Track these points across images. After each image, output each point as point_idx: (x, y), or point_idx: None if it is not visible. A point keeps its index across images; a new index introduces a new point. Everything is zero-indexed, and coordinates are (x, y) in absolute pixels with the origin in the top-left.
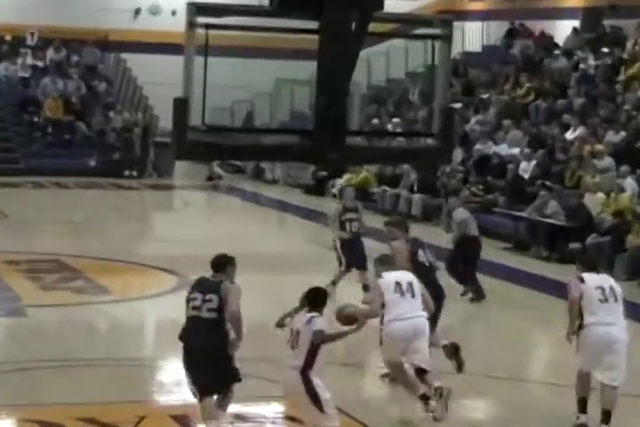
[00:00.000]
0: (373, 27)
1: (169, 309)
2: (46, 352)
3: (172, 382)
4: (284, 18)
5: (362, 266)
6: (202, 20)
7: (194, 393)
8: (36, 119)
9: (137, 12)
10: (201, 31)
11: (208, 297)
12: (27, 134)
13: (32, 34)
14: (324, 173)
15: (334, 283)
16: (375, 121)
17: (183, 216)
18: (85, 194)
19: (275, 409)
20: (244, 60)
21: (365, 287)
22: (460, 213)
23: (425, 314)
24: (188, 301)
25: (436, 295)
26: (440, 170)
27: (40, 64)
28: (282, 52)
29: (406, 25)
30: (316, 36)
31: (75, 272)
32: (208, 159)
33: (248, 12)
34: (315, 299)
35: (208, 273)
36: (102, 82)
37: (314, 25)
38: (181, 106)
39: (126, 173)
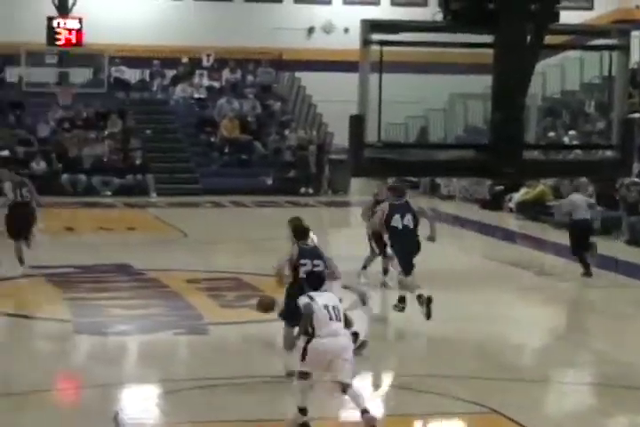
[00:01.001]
0: (548, 39)
1: None
2: (227, 370)
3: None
4: (457, 33)
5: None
6: (376, 36)
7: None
8: (213, 139)
9: (310, 30)
10: (375, 48)
11: (316, 262)
12: (204, 155)
13: (208, 55)
14: (501, 188)
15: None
16: (551, 134)
17: (359, 232)
18: (262, 212)
19: (457, 425)
20: (418, 76)
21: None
22: None
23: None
24: (298, 266)
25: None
26: (618, 182)
27: (216, 85)
28: (455, 68)
29: (582, 36)
30: (490, 51)
31: (254, 290)
32: (384, 176)
33: (422, 28)
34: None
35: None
36: (277, 101)
37: (488, 39)
38: (357, 123)
39: (302, 190)
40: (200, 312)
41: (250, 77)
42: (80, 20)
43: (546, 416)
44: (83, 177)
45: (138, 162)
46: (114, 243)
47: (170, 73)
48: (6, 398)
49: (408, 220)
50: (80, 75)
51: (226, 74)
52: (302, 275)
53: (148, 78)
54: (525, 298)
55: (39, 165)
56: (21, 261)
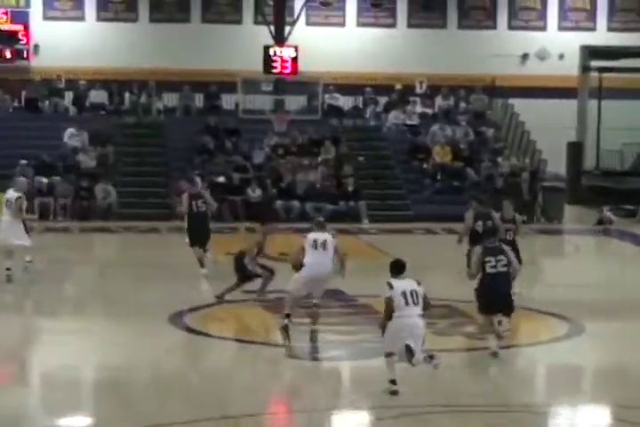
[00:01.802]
0: None
1: (561, 355)
2: (439, 397)
3: None
4: None
5: None
6: (595, 63)
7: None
8: (425, 166)
9: (524, 57)
10: (594, 75)
11: (499, 257)
12: (416, 181)
13: (421, 82)
14: None
15: None
16: None
17: (573, 261)
18: None
19: None
20: (633, 102)
21: None
22: None
23: None
24: (485, 263)
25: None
26: None
27: (429, 111)
28: None
29: None
30: None
31: (467, 317)
32: (600, 203)
33: None
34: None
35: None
36: (490, 128)
37: None
38: (576, 150)
39: None
40: None
41: (462, 104)
42: (296, 49)
43: None
44: (296, 203)
45: (350, 188)
46: None
47: (383, 100)
48: (222, 421)
49: None
50: (295, 102)
51: (438, 100)
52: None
53: (361, 105)
54: None
55: (254, 192)
56: (201, 264)
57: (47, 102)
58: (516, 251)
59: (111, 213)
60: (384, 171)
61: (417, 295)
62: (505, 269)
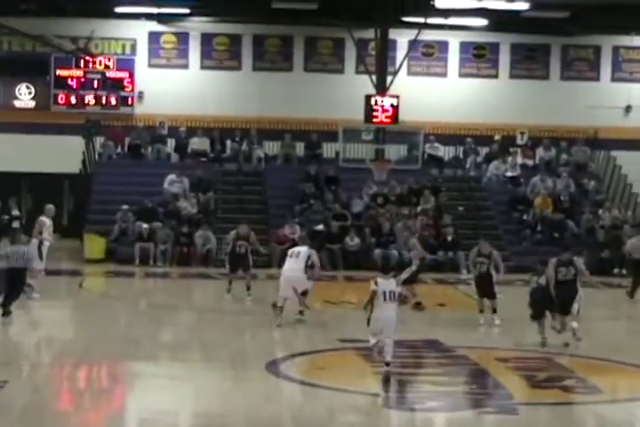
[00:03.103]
0: None
1: None
2: None
3: None
4: None
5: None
6: None
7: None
8: (525, 217)
9: (627, 109)
10: None
11: (569, 268)
12: (516, 232)
13: (522, 133)
14: None
15: None
16: None
17: None
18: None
19: None
20: None
21: None
22: None
23: None
24: (557, 272)
25: None
26: None
27: (529, 163)
28: None
29: None
30: None
31: (565, 371)
32: None
33: None
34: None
35: None
36: (591, 180)
37: None
38: None
39: (615, 271)
40: (509, 391)
41: (564, 155)
42: (397, 98)
43: None
44: (395, 252)
45: (449, 238)
46: (423, 318)
47: (483, 150)
48: None
49: None
50: (395, 151)
51: (540, 152)
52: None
53: (461, 155)
54: None
55: (353, 241)
56: (248, 288)
57: (150, 149)
58: (491, 283)
59: (210, 259)
60: (484, 221)
61: (394, 294)
62: (573, 277)
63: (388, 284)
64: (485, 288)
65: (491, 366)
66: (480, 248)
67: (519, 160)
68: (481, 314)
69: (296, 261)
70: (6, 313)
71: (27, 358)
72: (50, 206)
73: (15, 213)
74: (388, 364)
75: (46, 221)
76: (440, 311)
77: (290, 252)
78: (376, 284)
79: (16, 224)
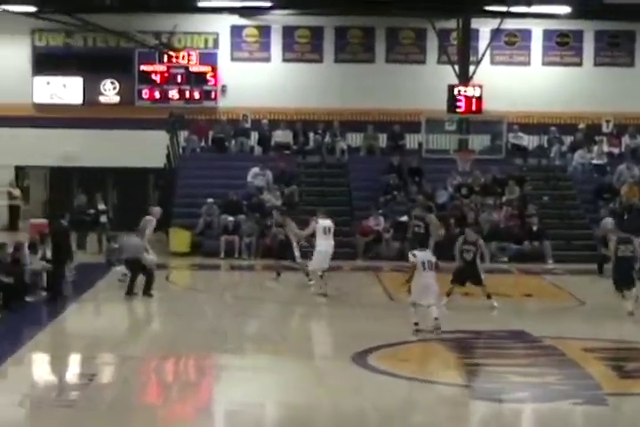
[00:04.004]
0: None
1: None
2: None
3: None
4: None
5: None
6: None
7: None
8: (611, 206)
9: None
10: None
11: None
12: None
13: (607, 121)
14: None
15: None
16: None
17: None
18: None
19: None
20: None
21: None
22: None
23: None
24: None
25: None
26: None
27: (615, 151)
28: None
29: None
30: None
31: None
32: None
33: None
34: None
35: None
36: None
37: None
38: None
39: None
40: (598, 382)
41: None
42: (481, 88)
43: None
44: (481, 242)
45: (535, 228)
46: (510, 309)
47: (568, 139)
48: None
49: None
50: (479, 141)
51: (625, 140)
52: None
53: (545, 144)
54: None
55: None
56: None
57: (233, 142)
58: (477, 270)
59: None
60: (569, 211)
61: (432, 263)
62: (631, 254)
63: (424, 255)
64: (472, 275)
65: (578, 357)
66: (466, 236)
67: (605, 148)
68: (447, 298)
69: (330, 236)
70: (148, 295)
71: (114, 352)
72: (157, 209)
73: (102, 207)
74: (436, 318)
75: (153, 220)
76: (526, 302)
77: (324, 228)
78: (414, 256)
79: (103, 218)
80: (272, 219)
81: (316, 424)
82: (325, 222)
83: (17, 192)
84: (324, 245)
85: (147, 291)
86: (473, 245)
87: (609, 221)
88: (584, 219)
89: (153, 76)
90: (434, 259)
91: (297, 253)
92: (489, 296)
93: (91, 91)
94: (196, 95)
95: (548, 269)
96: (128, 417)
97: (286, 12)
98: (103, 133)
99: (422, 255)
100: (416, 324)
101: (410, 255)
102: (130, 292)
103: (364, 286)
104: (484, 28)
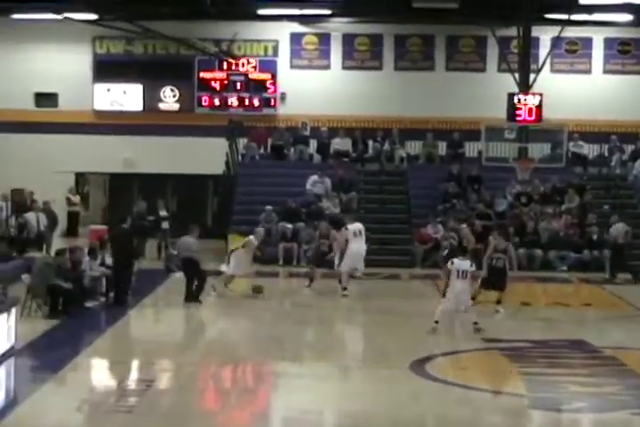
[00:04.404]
0: None
1: None
2: None
3: None
4: None
5: None
6: None
7: None
8: None
9: None
10: None
11: None
12: None
13: None
14: None
15: None
16: None
17: None
18: None
19: None
20: None
21: None
22: None
23: None
24: None
25: None
26: None
27: None
28: None
29: None
30: None
31: None
32: None
33: None
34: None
35: None
36: None
37: None
38: None
39: None
40: None
41: None
42: (541, 96)
43: None
44: (539, 251)
45: (595, 237)
46: (569, 318)
47: (629, 148)
48: None
49: None
50: (538, 149)
51: None
52: None
53: (606, 153)
54: None
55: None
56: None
57: (292, 149)
58: (505, 277)
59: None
60: (630, 220)
61: (467, 273)
62: None
63: (462, 263)
64: (498, 281)
65: (638, 367)
66: (496, 245)
67: None
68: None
69: (362, 238)
70: (196, 301)
71: (172, 358)
72: (260, 229)
73: (163, 213)
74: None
75: (254, 242)
76: (586, 311)
77: (354, 232)
78: (452, 263)
79: (165, 225)
80: (318, 229)
81: None
82: (355, 226)
83: (76, 199)
84: (356, 247)
85: (196, 297)
86: (503, 252)
87: None
88: None
89: (212, 84)
90: (471, 269)
91: (337, 262)
92: (499, 302)
93: (151, 98)
94: (256, 103)
95: (607, 278)
96: (186, 423)
97: (346, 19)
98: (163, 140)
99: (459, 264)
100: (436, 322)
101: (448, 263)
102: (188, 298)
103: (422, 295)
104: (544, 36)
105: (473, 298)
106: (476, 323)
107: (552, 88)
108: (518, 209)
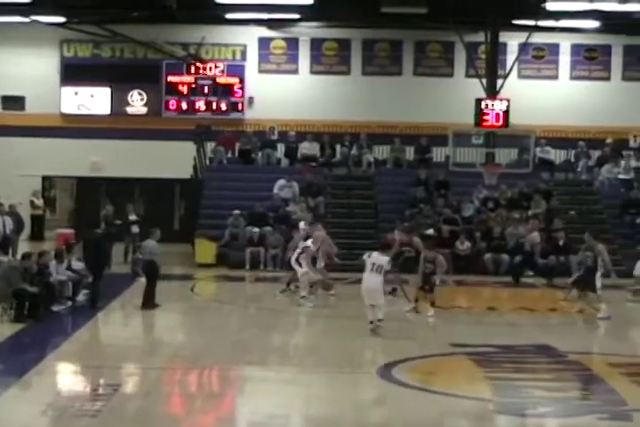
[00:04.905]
0: None
1: None
2: None
3: None
4: None
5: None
6: None
7: None
8: (638, 221)
9: None
10: None
11: None
12: (629, 236)
13: (635, 136)
14: None
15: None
16: None
17: None
18: None
19: None
20: None
21: None
22: None
23: None
24: None
25: None
26: None
27: None
28: None
29: None
30: None
31: None
32: None
33: None
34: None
35: None
36: None
37: None
38: None
39: None
40: (623, 397)
41: None
42: (508, 102)
43: None
44: (505, 257)
45: (561, 242)
46: (534, 323)
47: (595, 154)
48: None
49: None
50: (505, 155)
51: None
52: None
53: (573, 159)
54: None
55: (463, 245)
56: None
57: (260, 154)
58: (593, 276)
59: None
60: (595, 225)
61: (380, 267)
62: None
63: (378, 259)
64: (588, 282)
65: (604, 372)
66: (586, 244)
67: (632, 163)
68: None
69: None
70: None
71: (138, 362)
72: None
73: (132, 217)
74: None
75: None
76: (551, 316)
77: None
78: (369, 256)
79: (135, 229)
80: (296, 231)
81: None
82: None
83: (40, 202)
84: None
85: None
86: (591, 250)
87: None
88: (610, 233)
89: (180, 88)
90: (385, 265)
91: (322, 264)
92: (597, 308)
93: (118, 101)
94: (223, 107)
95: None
96: None
97: (314, 24)
98: (130, 144)
99: (376, 258)
100: (371, 322)
101: (365, 255)
102: (147, 301)
103: (389, 300)
104: (512, 42)
105: (416, 300)
106: (374, 322)
107: (519, 94)
108: (485, 214)
